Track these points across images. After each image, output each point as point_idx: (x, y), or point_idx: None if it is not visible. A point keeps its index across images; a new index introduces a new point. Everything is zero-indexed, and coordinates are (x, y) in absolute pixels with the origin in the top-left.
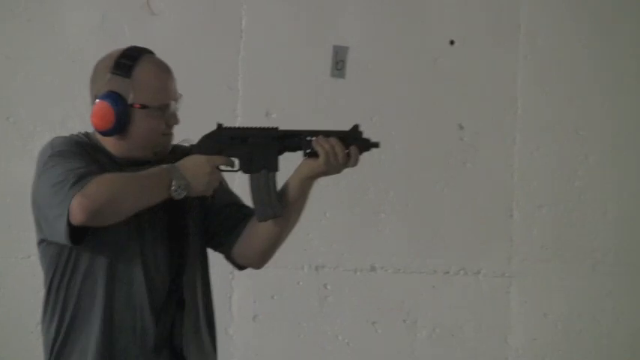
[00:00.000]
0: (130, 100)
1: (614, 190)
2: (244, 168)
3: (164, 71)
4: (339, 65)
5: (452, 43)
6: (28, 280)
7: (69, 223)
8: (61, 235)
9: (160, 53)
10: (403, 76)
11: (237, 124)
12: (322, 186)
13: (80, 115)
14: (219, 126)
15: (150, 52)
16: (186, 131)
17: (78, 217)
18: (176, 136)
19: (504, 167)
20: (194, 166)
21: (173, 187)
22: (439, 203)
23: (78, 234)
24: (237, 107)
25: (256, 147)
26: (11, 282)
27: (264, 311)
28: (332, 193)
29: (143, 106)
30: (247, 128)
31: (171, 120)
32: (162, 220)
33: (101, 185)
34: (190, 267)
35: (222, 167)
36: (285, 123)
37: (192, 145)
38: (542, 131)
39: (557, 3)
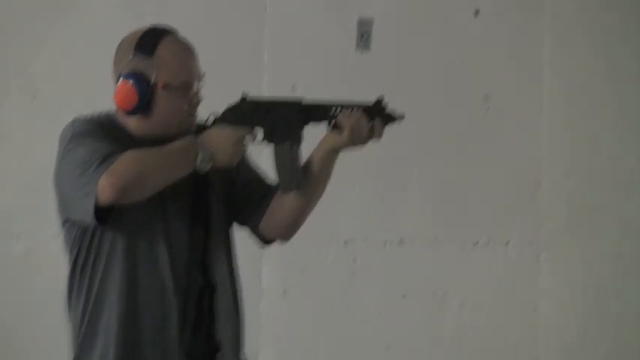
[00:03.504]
0: (152, 80)
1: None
2: (268, 139)
3: (187, 50)
4: (364, 37)
5: (477, 13)
6: (61, 259)
7: (96, 203)
8: (88, 215)
9: (183, 29)
10: (428, 47)
11: (262, 96)
12: (348, 159)
13: (105, 94)
14: (244, 97)
15: (172, 32)
16: (213, 108)
17: (107, 196)
18: (202, 114)
19: (531, 137)
20: (218, 138)
21: (199, 159)
22: (466, 175)
23: (103, 214)
24: (263, 81)
25: (280, 118)
26: (43, 261)
27: (293, 286)
28: (359, 166)
29: (166, 86)
30: (271, 100)
31: (194, 99)
32: (185, 195)
33: (128, 162)
34: (215, 245)
35: (247, 139)
36: (311, 95)
37: (216, 117)
38: (568, 100)
39: None
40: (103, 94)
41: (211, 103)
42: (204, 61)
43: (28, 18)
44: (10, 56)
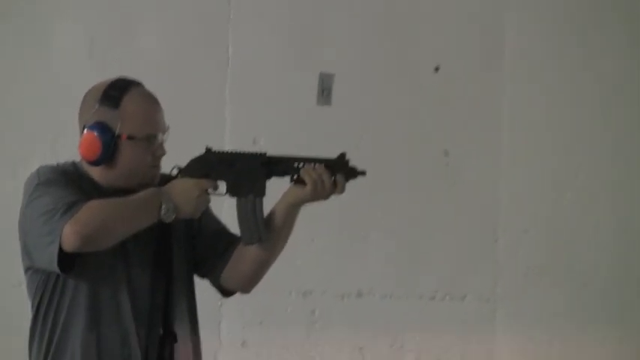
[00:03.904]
0: (117, 131)
1: (603, 211)
2: (231, 192)
3: (152, 103)
4: (325, 93)
5: (437, 69)
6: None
7: (60, 251)
8: (51, 263)
9: (147, 82)
10: (389, 102)
11: (226, 149)
12: (310, 212)
13: (69, 143)
14: (208, 149)
15: (138, 84)
16: (175, 161)
17: (71, 244)
18: (165, 166)
19: (490, 192)
20: (182, 189)
21: (163, 210)
22: (425, 229)
23: (67, 261)
24: (225, 134)
25: (244, 171)
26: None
27: (252, 337)
28: (319, 219)
29: (130, 137)
30: (235, 152)
31: (158, 151)
32: (148, 244)
33: (92, 211)
34: (177, 291)
35: (210, 191)
36: (273, 150)
37: (180, 169)
38: (527, 156)
39: (541, 25)
40: (67, 144)
41: (173, 157)
42: (167, 113)
43: None
44: None
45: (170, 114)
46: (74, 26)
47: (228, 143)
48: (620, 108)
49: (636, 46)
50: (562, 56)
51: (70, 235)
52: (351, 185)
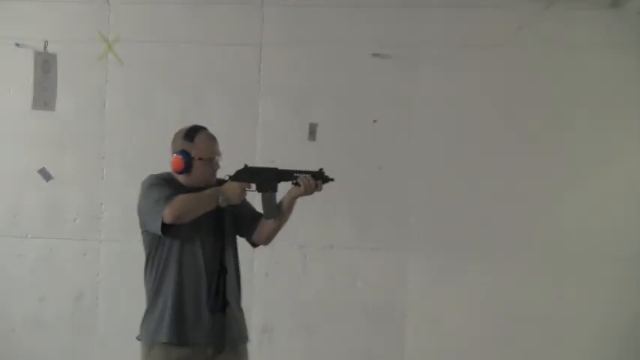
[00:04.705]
0: (192, 155)
1: None
2: (259, 189)
3: (212, 139)
4: (312, 133)
5: (375, 121)
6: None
7: (162, 222)
8: (157, 229)
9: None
10: (348, 140)
11: (256, 165)
12: (302, 202)
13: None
14: (245, 166)
15: (205, 128)
16: (227, 171)
17: (168, 219)
18: (220, 174)
19: (404, 180)
20: (231, 188)
21: (220, 200)
22: (366, 206)
23: (165, 229)
24: (255, 157)
25: (265, 178)
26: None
27: (271, 269)
28: (307, 206)
29: (200, 159)
30: (261, 167)
31: (215, 166)
32: (211, 220)
33: (180, 201)
34: (227, 248)
35: (247, 189)
36: (283, 165)
37: (230, 176)
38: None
39: None
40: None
41: (223, 168)
42: (222, 145)
43: None
44: None
45: (223, 145)
46: None
47: (258, 161)
48: None
49: None
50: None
51: (168, 214)
52: (326, 187)
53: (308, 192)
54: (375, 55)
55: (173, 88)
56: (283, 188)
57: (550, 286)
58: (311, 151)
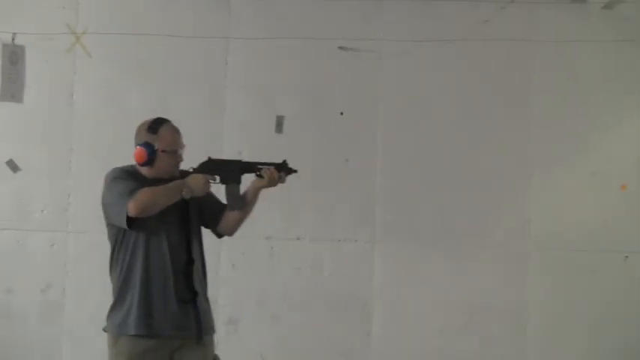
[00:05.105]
0: (156, 147)
1: None
2: (223, 181)
3: (176, 131)
4: (279, 127)
5: (341, 113)
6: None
7: (127, 216)
8: (122, 222)
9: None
10: (314, 132)
11: (221, 157)
12: (268, 193)
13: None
14: (209, 158)
15: (168, 120)
16: (191, 163)
17: (132, 212)
18: (187, 165)
19: (370, 181)
20: (195, 180)
21: (184, 192)
22: (332, 198)
23: (130, 222)
24: (222, 148)
25: (229, 170)
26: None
27: (238, 261)
28: (273, 197)
29: (163, 151)
30: (225, 159)
31: (179, 158)
32: (176, 212)
33: (144, 194)
34: (193, 239)
35: (211, 181)
36: (250, 157)
37: (194, 168)
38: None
39: None
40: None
41: (189, 161)
42: (185, 136)
43: None
44: None
45: (186, 138)
46: None
47: (225, 154)
48: None
49: None
50: None
51: (132, 208)
52: (289, 178)
53: (271, 184)
54: (341, 48)
55: (141, 80)
56: (247, 180)
57: (514, 275)
58: (278, 143)
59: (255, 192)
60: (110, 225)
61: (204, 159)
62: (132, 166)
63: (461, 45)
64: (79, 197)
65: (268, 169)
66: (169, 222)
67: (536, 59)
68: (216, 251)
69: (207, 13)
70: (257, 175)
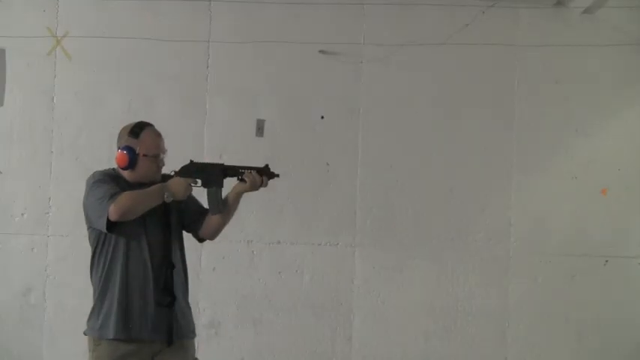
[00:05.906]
0: (137, 151)
1: None
2: (204, 185)
3: (158, 135)
4: (260, 130)
5: (322, 117)
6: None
7: (107, 220)
8: (102, 226)
9: (156, 123)
10: (295, 136)
11: (202, 160)
12: (249, 197)
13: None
14: (191, 161)
15: (151, 124)
16: (173, 167)
17: (113, 216)
18: (165, 170)
19: (350, 182)
20: (176, 184)
21: (165, 195)
22: (313, 201)
23: (110, 226)
24: (204, 152)
25: (211, 174)
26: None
27: (219, 265)
28: (254, 201)
29: (145, 155)
30: (207, 163)
31: (160, 163)
32: (157, 215)
33: (125, 197)
34: (174, 243)
35: (192, 184)
36: (231, 161)
37: (175, 172)
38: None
39: None
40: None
41: (170, 164)
42: (166, 139)
43: None
44: None
45: (168, 142)
46: None
47: (206, 157)
48: None
49: None
50: None
51: (113, 212)
52: (271, 182)
53: (253, 188)
54: (322, 52)
55: (121, 83)
56: (229, 184)
57: (495, 279)
58: (259, 147)
59: (237, 196)
60: (91, 228)
61: (186, 162)
62: (114, 169)
63: (442, 49)
64: (60, 201)
65: (251, 172)
66: (150, 226)
67: (518, 63)
68: (197, 255)
69: (188, 16)
70: (239, 179)
